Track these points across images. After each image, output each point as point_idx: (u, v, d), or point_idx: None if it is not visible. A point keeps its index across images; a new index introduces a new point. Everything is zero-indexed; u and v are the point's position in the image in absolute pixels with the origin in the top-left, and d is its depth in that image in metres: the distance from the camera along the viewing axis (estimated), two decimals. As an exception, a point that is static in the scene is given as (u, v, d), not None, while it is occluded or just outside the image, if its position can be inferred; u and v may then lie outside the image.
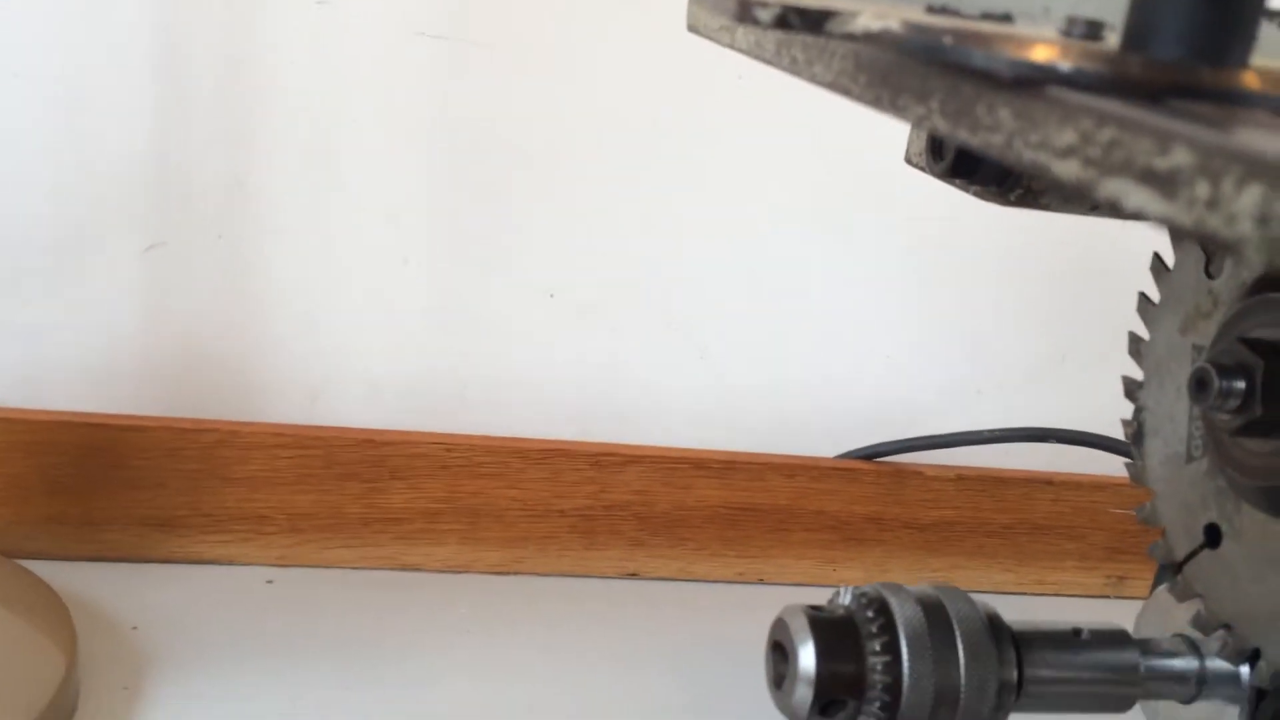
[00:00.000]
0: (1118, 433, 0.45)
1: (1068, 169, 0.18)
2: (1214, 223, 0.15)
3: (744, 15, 0.22)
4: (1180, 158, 0.16)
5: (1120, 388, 0.40)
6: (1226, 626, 0.35)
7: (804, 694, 0.34)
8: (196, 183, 0.58)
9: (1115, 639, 0.37)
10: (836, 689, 0.34)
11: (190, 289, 0.60)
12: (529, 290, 0.63)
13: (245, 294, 0.60)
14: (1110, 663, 0.37)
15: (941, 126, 0.21)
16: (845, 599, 0.36)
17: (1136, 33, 0.20)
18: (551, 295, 0.63)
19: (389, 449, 0.59)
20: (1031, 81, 0.19)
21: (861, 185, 0.64)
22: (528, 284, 0.63)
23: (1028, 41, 0.20)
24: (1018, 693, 0.36)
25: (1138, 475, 0.39)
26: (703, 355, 0.66)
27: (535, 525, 0.61)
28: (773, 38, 0.28)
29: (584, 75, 0.61)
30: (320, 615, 0.56)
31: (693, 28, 0.36)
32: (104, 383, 0.59)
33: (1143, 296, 0.39)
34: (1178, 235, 0.38)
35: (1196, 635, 0.37)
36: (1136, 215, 0.17)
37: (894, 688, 0.34)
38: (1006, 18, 0.23)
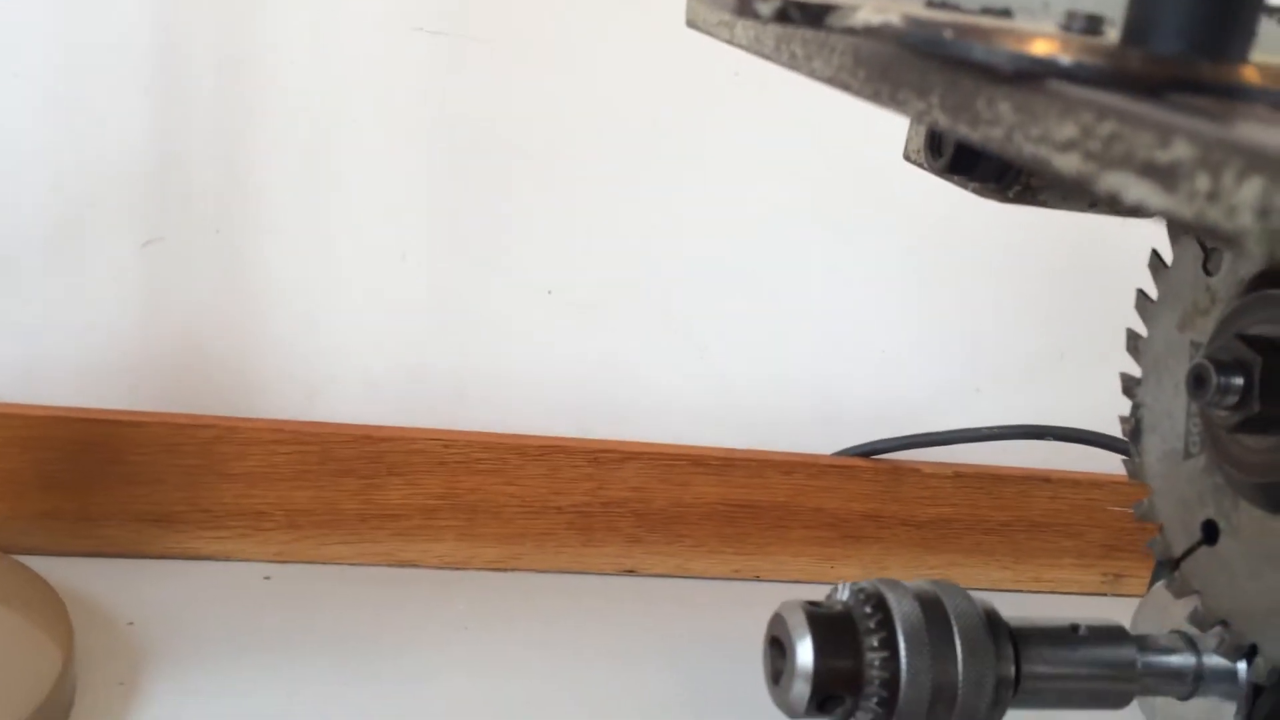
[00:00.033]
0: (1115, 430, 0.45)
1: (1068, 162, 0.18)
2: (1214, 215, 0.15)
3: (744, 9, 0.22)
4: (1181, 151, 0.16)
5: (1118, 385, 0.40)
6: (1224, 623, 0.35)
7: (801, 689, 0.34)
8: (194, 178, 0.58)
9: (1112, 635, 0.37)
10: (834, 684, 0.34)
11: (188, 285, 0.60)
12: (527, 287, 0.63)
13: (243, 290, 0.60)
14: (1108, 659, 0.37)
15: (941, 121, 0.21)
16: (843, 595, 0.36)
17: (1136, 27, 0.20)
18: (550, 292, 0.63)
19: (387, 445, 0.59)
20: (1032, 75, 0.19)
21: (860, 183, 0.64)
22: (526, 281, 0.63)
23: (1028, 36, 0.20)
24: (1015, 689, 0.36)
25: (1135, 472, 0.39)
26: (701, 352, 0.66)
27: (533, 522, 0.61)
28: (772, 32, 0.28)
29: (583, 70, 0.61)
30: (317, 611, 0.56)
31: (691, 23, 0.36)
32: (101, 378, 0.59)
33: (1141, 293, 0.39)
34: (1176, 232, 0.38)
35: (1194, 632, 0.37)
36: (1136, 209, 0.17)
37: (891, 683, 0.34)
38: (1006, 12, 0.23)
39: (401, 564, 0.60)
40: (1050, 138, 0.18)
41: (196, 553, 0.58)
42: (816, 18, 0.22)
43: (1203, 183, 0.15)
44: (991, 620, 0.36)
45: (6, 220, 0.57)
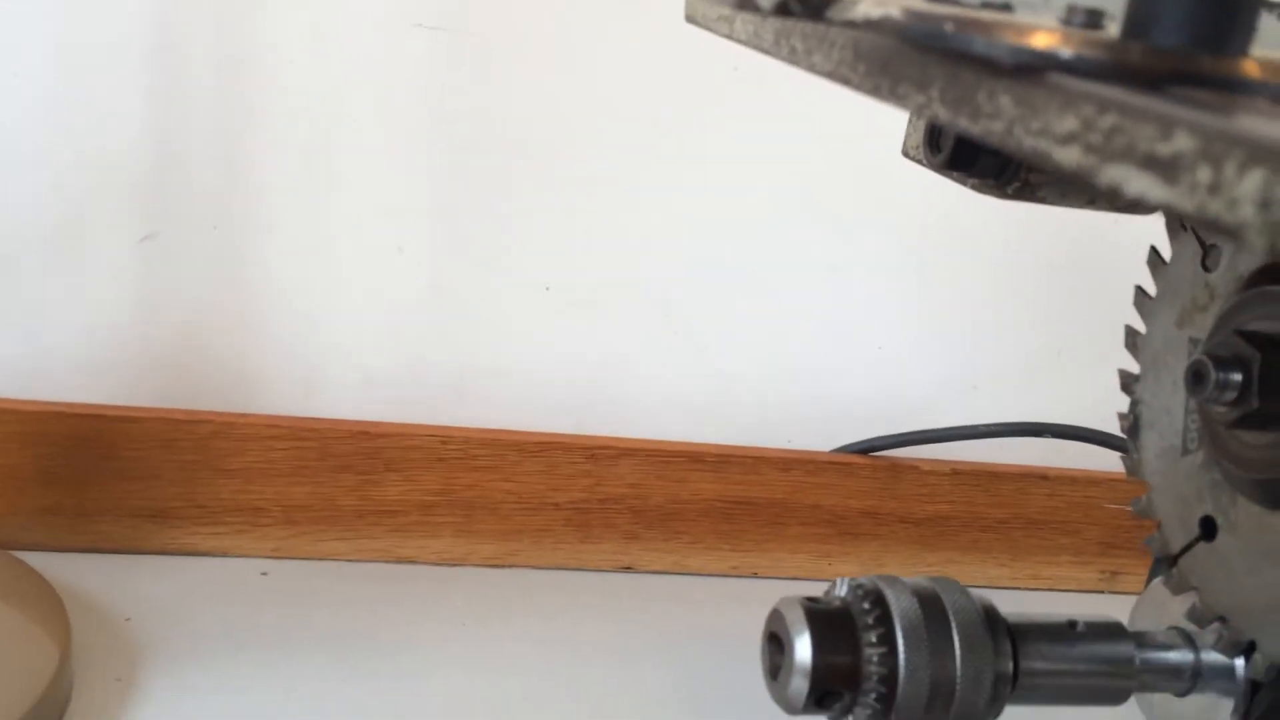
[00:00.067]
0: (1113, 427, 0.45)
1: (1069, 156, 0.18)
2: (1215, 208, 0.15)
3: (744, 2, 0.22)
4: (1182, 143, 0.16)
5: (1115, 382, 0.40)
6: (1222, 619, 0.35)
7: (800, 685, 0.34)
8: (192, 174, 0.58)
9: (1110, 632, 0.37)
10: (832, 680, 0.34)
11: (186, 281, 0.60)
12: (525, 283, 0.63)
13: (240, 285, 0.60)
14: (1105, 655, 0.37)
15: (942, 114, 0.21)
16: (841, 591, 0.36)
17: (1137, 20, 0.20)
18: (548, 288, 0.63)
19: (384, 441, 0.59)
20: (1032, 68, 0.19)
21: (858, 179, 0.64)
22: (524, 277, 0.63)
23: (1028, 29, 0.20)
24: (1013, 685, 0.36)
25: (1134, 468, 0.39)
26: (699, 348, 0.66)
27: (530, 518, 0.61)
28: (771, 26, 0.28)
29: (582, 67, 0.61)
30: (315, 607, 0.56)
31: (690, 18, 0.36)
32: (98, 373, 0.59)
33: (1139, 290, 0.39)
34: (1174, 228, 0.38)
35: (1192, 628, 0.37)
36: (1137, 203, 0.17)
37: (890, 679, 0.34)
38: (1006, 6, 0.23)
39: (399, 560, 0.60)
40: (1051, 131, 0.18)
41: (194, 548, 0.58)
42: (817, 11, 0.22)
43: (1204, 175, 0.15)
44: (990, 616, 0.36)
45: (5, 217, 0.57)
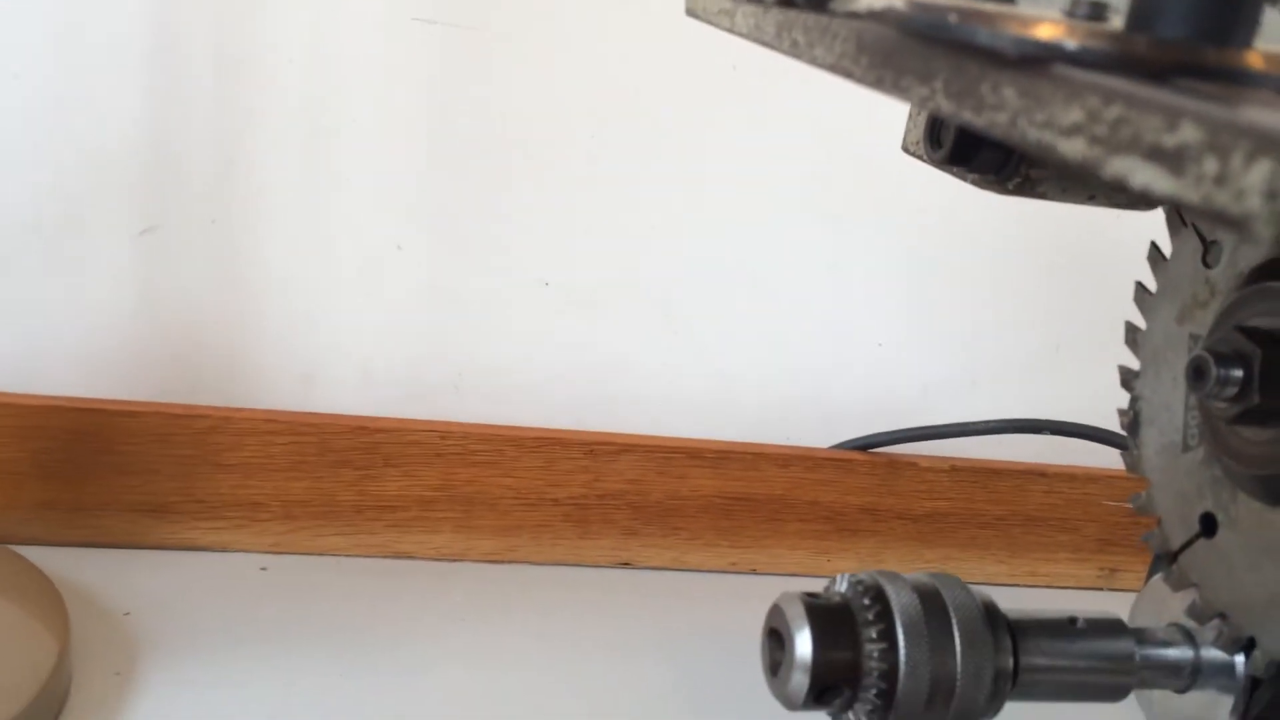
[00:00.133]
0: (1112, 424, 0.45)
1: (1073, 147, 0.18)
2: (1222, 199, 0.15)
3: (747, -6, 0.22)
4: (1188, 134, 0.16)
5: (1114, 379, 0.40)
6: (1222, 616, 0.35)
7: (800, 681, 0.34)
8: (190, 169, 0.58)
9: (1110, 628, 0.37)
10: (832, 676, 0.34)
11: (183, 274, 0.59)
12: (524, 278, 0.63)
13: (239, 279, 0.60)
14: (1105, 652, 0.37)
15: (945, 107, 0.21)
16: (841, 587, 0.36)
17: (1141, 12, 0.20)
18: (547, 284, 0.63)
19: (383, 436, 0.59)
20: (1037, 60, 0.19)
21: (857, 178, 0.64)
22: (522, 272, 0.63)
23: (1032, 20, 0.20)
24: (1013, 681, 0.36)
25: (1133, 464, 0.39)
26: (698, 346, 0.66)
27: (529, 514, 0.61)
28: (773, 19, 0.28)
29: (582, 64, 0.61)
30: (314, 603, 0.56)
31: (691, 11, 0.35)
32: (96, 367, 0.59)
33: (1139, 286, 0.39)
34: (1175, 224, 0.38)
35: (1192, 625, 0.37)
36: (1139, 197, 0.17)
37: (890, 675, 0.34)
38: (1010, -2, 0.23)
39: (398, 555, 0.60)
40: (1055, 123, 0.18)
41: (192, 543, 0.58)
42: (820, 1, 0.22)
43: (1210, 166, 0.15)
44: (990, 612, 0.36)
45: (3, 212, 0.57)
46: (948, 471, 0.65)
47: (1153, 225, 0.39)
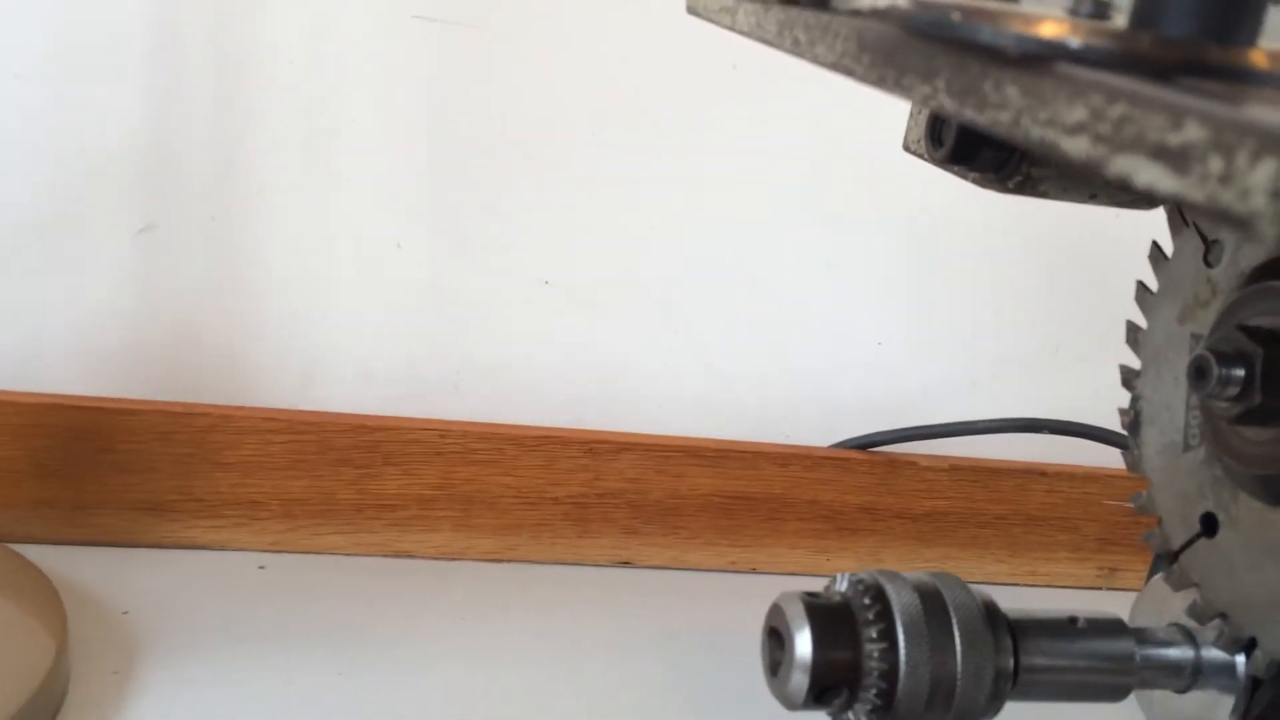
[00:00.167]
0: (1112, 424, 0.45)
1: (1077, 146, 0.18)
2: (1227, 198, 0.15)
3: (749, -9, 0.22)
4: (1193, 133, 0.16)
5: (1114, 379, 0.40)
6: (1223, 616, 0.35)
7: (800, 681, 0.34)
8: (189, 166, 0.58)
9: (1111, 628, 0.37)
10: (832, 676, 0.34)
11: (183, 273, 0.59)
12: (523, 277, 0.63)
13: (238, 279, 0.60)
14: (1106, 652, 0.37)
15: (948, 105, 0.21)
16: (842, 586, 0.36)
17: (1145, 10, 0.20)
18: (546, 282, 0.63)
19: (382, 435, 0.59)
20: (1040, 58, 0.19)
21: (857, 177, 0.64)
22: (522, 271, 0.63)
23: (1035, 18, 0.20)
24: (1014, 681, 0.36)
25: (1134, 464, 0.39)
26: (698, 345, 0.65)
27: (529, 512, 0.61)
28: (774, 17, 0.28)
29: (581, 63, 0.60)
30: (313, 601, 0.55)
31: (692, 9, 0.35)
32: (95, 365, 0.59)
33: (1141, 285, 0.39)
34: (1176, 224, 0.38)
35: (1192, 625, 0.37)
36: (1141, 196, 0.17)
37: (890, 675, 0.34)
38: (1012, -4, 0.23)
39: (397, 554, 0.60)
40: (1059, 121, 0.18)
41: (191, 542, 0.58)
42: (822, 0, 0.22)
43: (1215, 165, 0.15)
44: (990, 612, 0.36)
45: (4, 212, 0.57)
46: (947, 471, 0.65)
47: (1153, 224, 0.39)
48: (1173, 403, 0.37)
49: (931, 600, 0.35)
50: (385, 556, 0.60)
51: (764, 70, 0.61)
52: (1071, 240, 0.67)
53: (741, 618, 0.44)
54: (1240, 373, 0.31)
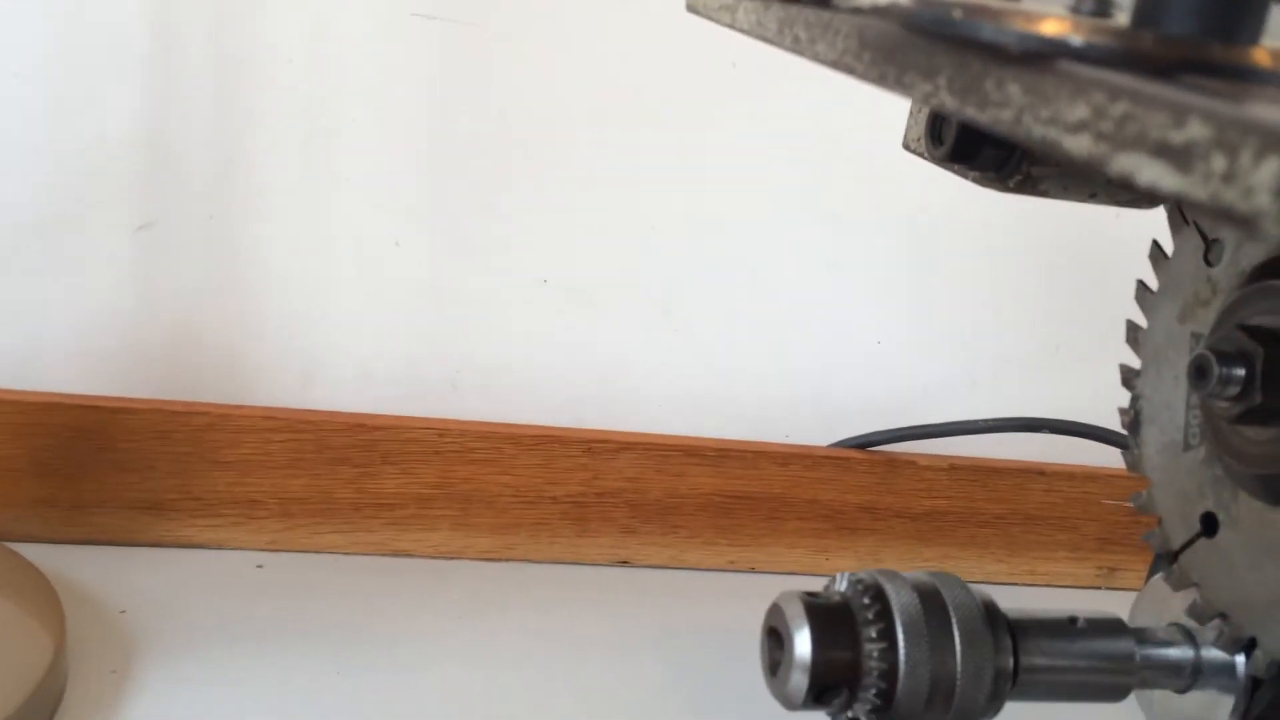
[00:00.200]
0: (1112, 423, 0.45)
1: (1079, 144, 0.18)
2: (1230, 196, 0.15)
3: (748, -11, 0.22)
4: (1196, 131, 0.16)
5: (1114, 379, 0.40)
6: (1223, 615, 0.35)
7: (799, 681, 0.34)
8: (189, 166, 0.58)
9: (1111, 628, 0.37)
10: (832, 676, 0.34)
11: (183, 273, 0.59)
12: (523, 276, 0.63)
13: (237, 276, 0.60)
14: (1106, 651, 0.37)
15: (949, 103, 0.21)
16: (841, 585, 0.36)
17: (1147, 8, 0.20)
18: (545, 281, 0.63)
19: (381, 434, 0.59)
20: (1041, 56, 0.19)
21: (857, 176, 0.64)
22: (522, 270, 0.62)
23: (1037, 16, 0.20)
24: (1013, 681, 0.36)
25: (1134, 463, 0.39)
26: (697, 343, 0.65)
27: (527, 511, 0.61)
28: (775, 15, 0.28)
29: (581, 61, 0.60)
30: (311, 600, 0.55)
31: (692, 8, 0.35)
32: (94, 364, 0.59)
33: (1141, 284, 0.39)
34: (1177, 223, 0.37)
35: (1192, 624, 0.37)
36: (1142, 195, 0.17)
37: (890, 675, 0.34)
38: (1014, -6, 0.23)
39: (396, 553, 0.60)
40: (1061, 119, 0.18)
41: (189, 541, 0.58)
42: (822, -3, 0.22)
43: (1218, 163, 0.15)
44: (990, 612, 0.36)
45: (4, 211, 0.57)
46: (947, 470, 0.65)
47: (1154, 223, 0.39)
48: (1173, 402, 0.37)
49: (931, 600, 0.35)
50: (383, 555, 0.60)
51: (764, 68, 0.61)
52: (1071, 240, 0.67)
53: (741, 617, 0.44)
54: (1241, 372, 0.31)
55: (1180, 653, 0.38)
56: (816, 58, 0.26)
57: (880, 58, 0.23)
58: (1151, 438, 0.38)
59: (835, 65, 0.25)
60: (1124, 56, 0.19)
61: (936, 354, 0.68)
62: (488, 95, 0.60)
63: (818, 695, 0.34)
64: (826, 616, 0.34)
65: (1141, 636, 0.37)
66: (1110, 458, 0.64)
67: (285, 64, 0.57)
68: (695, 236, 0.64)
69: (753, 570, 0.64)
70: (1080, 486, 0.67)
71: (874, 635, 0.34)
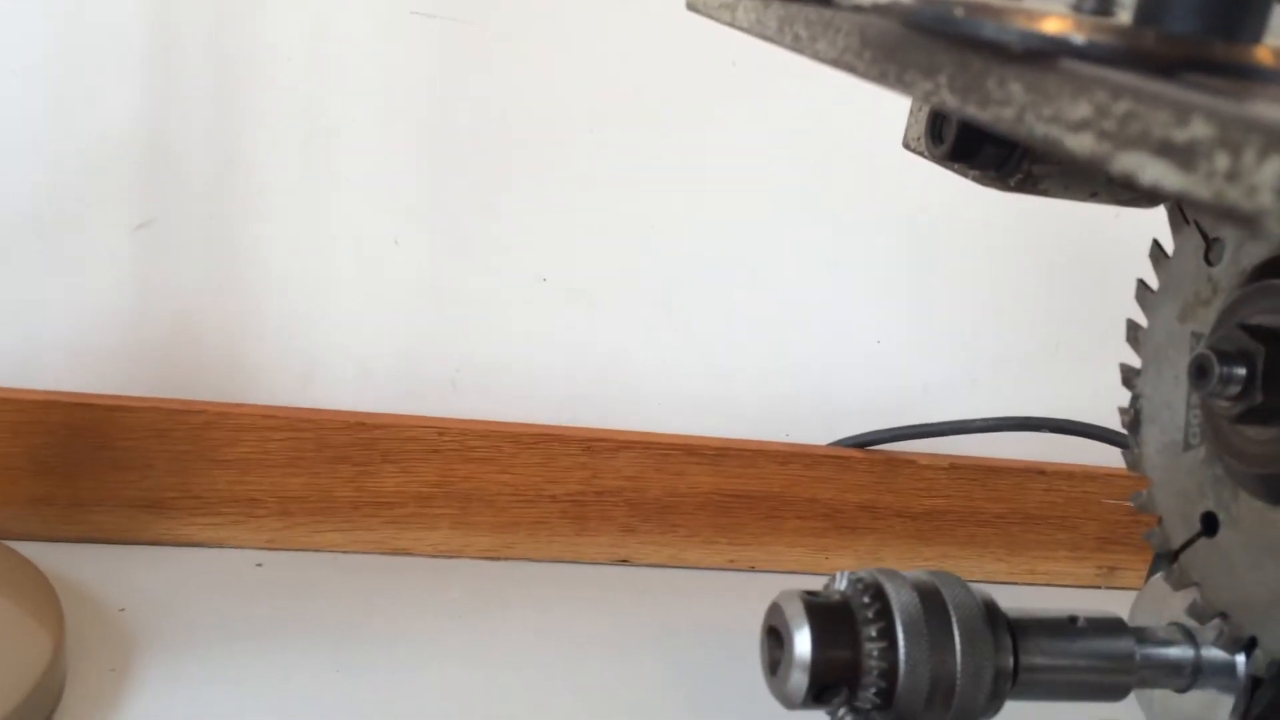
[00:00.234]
0: (1112, 423, 0.44)
1: (1081, 143, 0.18)
2: (1233, 195, 0.15)
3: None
4: (1199, 129, 0.16)
5: (1113, 378, 0.40)
6: (1223, 615, 0.35)
7: (799, 680, 0.34)
8: (189, 166, 0.58)
9: (1111, 627, 0.37)
10: (832, 675, 0.34)
11: (182, 272, 0.59)
12: (522, 275, 0.62)
13: (238, 277, 0.60)
14: (1106, 651, 0.37)
15: (950, 102, 0.21)
16: (841, 584, 0.36)
17: (1149, 6, 0.20)
18: (544, 280, 0.63)
19: (380, 432, 0.59)
20: (1043, 54, 0.19)
21: (857, 175, 0.64)
22: (521, 269, 0.62)
23: (1039, 14, 0.19)
24: (1013, 680, 0.36)
25: (1134, 463, 0.39)
26: (697, 342, 0.65)
27: (527, 510, 0.61)
28: (775, 13, 0.28)
29: (581, 60, 0.60)
30: (310, 599, 0.55)
31: (692, 6, 0.35)
32: (93, 362, 0.59)
33: (1141, 284, 0.39)
34: (1177, 222, 0.37)
35: (1192, 624, 0.37)
36: (1143, 194, 0.16)
37: (889, 674, 0.34)
38: (1015, -8, 0.23)
39: (395, 552, 0.60)
40: (1063, 117, 0.18)
41: (188, 539, 0.58)
42: (823, -5, 0.22)
43: (1221, 162, 0.15)
44: (990, 611, 0.36)
45: (3, 210, 0.57)
46: (946, 469, 0.65)
47: (1154, 223, 0.39)
48: (1173, 401, 0.37)
49: (931, 599, 0.35)
50: (383, 554, 0.60)
51: (764, 67, 0.61)
52: (1071, 239, 0.67)
53: (740, 616, 0.44)
54: (1241, 371, 0.31)
55: (1180, 652, 0.38)
56: (817, 56, 0.26)
57: (881, 56, 0.23)
58: (1152, 437, 0.38)
59: (836, 64, 0.25)
60: (1126, 55, 0.19)
61: (936, 353, 0.68)
62: (488, 95, 0.60)
63: (818, 694, 0.34)
64: (826, 615, 0.34)
65: (1141, 636, 0.37)
66: (1110, 457, 0.64)
67: (285, 63, 0.57)
68: (695, 236, 0.64)
69: (752, 569, 0.64)
70: (1080, 486, 0.67)
71: (874, 634, 0.34)
